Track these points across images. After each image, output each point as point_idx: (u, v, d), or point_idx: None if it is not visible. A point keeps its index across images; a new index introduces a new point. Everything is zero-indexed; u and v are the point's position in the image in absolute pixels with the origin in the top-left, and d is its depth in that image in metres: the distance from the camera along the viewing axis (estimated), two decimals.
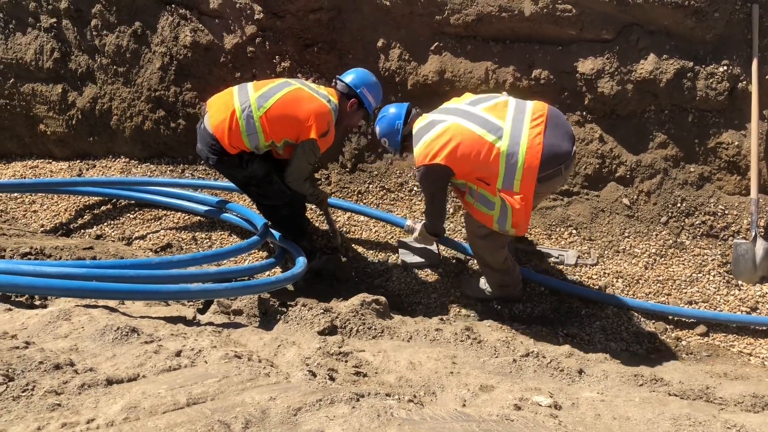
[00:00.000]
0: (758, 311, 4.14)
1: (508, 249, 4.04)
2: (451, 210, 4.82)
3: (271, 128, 3.95)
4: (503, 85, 4.63)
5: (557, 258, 4.49)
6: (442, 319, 3.78)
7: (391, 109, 4.02)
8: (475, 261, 4.42)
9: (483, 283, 4.34)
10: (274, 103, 3.95)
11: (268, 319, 3.46)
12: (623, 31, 4.40)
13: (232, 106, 3.96)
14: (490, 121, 3.54)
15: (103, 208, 5.15)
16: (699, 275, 4.35)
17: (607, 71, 4.43)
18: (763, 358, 3.97)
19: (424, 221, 4.24)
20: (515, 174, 3.49)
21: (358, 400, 2.17)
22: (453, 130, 3.56)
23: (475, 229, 3.89)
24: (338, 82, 4.27)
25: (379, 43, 4.88)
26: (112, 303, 3.14)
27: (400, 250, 4.67)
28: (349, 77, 4.25)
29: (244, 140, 3.96)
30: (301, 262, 4.07)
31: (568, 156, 3.57)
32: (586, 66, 4.47)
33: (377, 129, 4.06)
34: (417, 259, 4.60)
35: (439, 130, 3.60)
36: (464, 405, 2.48)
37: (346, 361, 2.88)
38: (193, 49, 5.09)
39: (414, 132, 3.78)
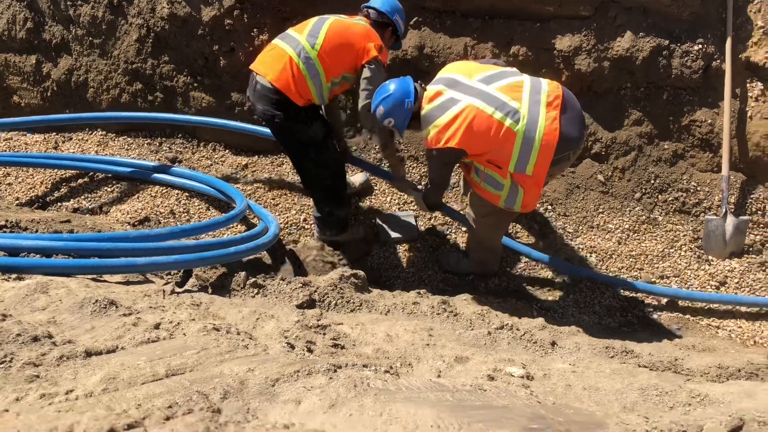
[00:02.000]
0: (726, 285, 4.25)
1: None
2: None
3: (330, 62, 3.90)
4: None
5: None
6: (419, 293, 3.82)
7: (392, 86, 3.70)
8: (465, 237, 4.45)
9: (460, 259, 4.39)
10: (324, 37, 3.89)
11: (246, 292, 3.48)
12: (601, 8, 4.43)
13: (287, 54, 3.90)
14: (507, 103, 3.42)
15: (80, 181, 5.10)
16: (671, 250, 4.45)
17: (585, 48, 4.46)
18: (730, 331, 4.09)
19: (421, 190, 4.23)
20: (529, 158, 3.44)
21: (335, 371, 2.21)
22: (468, 112, 3.42)
23: (478, 208, 3.88)
24: (370, 10, 4.15)
25: None
26: None
27: (380, 226, 4.70)
28: (378, 2, 4.14)
29: (309, 86, 3.91)
30: (273, 232, 4.07)
31: (578, 141, 3.55)
32: (563, 43, 4.49)
33: (380, 109, 3.71)
34: (396, 234, 4.64)
35: (454, 113, 3.46)
36: (439, 375, 2.54)
37: (324, 334, 2.92)
38: (170, 21, 5.02)
39: (425, 113, 3.59)
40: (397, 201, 4.86)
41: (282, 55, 3.92)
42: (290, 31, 4.06)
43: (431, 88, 3.63)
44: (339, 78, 4.01)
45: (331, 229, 4.43)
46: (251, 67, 4.07)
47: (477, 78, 3.56)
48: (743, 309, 4.17)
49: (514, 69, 3.71)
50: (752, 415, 2.07)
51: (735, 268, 4.31)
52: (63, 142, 5.42)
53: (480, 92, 3.48)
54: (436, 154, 3.62)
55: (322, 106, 4.29)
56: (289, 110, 3.95)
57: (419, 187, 4.58)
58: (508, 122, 3.40)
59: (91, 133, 5.45)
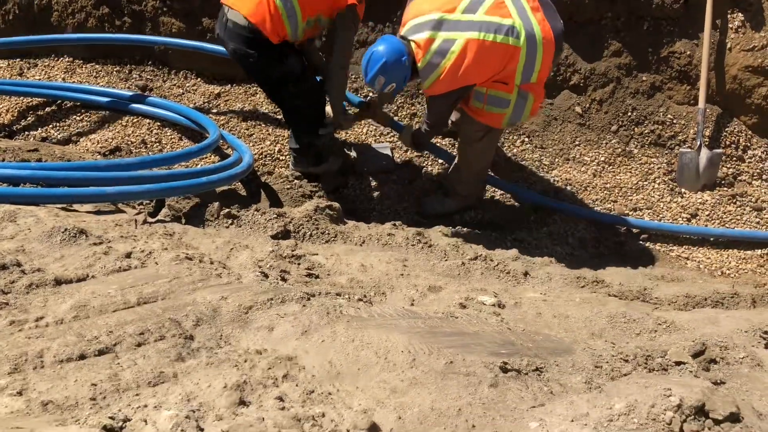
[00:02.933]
0: (697, 217, 4.32)
1: None
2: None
3: (307, 2, 3.76)
4: None
5: None
6: (395, 225, 3.83)
7: (380, 47, 3.60)
8: (454, 172, 4.37)
9: (443, 200, 4.37)
10: None
11: (220, 223, 3.46)
12: None
13: None
14: (501, 24, 3.46)
15: (48, 109, 4.96)
16: (645, 183, 4.48)
17: None
18: (698, 262, 4.18)
19: (412, 128, 4.20)
20: (534, 66, 3.56)
21: (308, 299, 2.23)
22: (470, 47, 3.45)
23: (471, 134, 3.93)
24: None
25: None
26: None
27: (356, 158, 4.66)
28: None
29: (285, 24, 3.77)
30: (247, 162, 4.02)
31: (563, 34, 3.68)
32: None
33: (380, 79, 3.63)
34: (372, 166, 4.60)
35: (456, 53, 3.46)
36: (412, 304, 2.57)
37: (299, 264, 2.93)
38: None
39: (423, 64, 3.55)
40: (373, 132, 4.80)
41: None
42: None
43: (418, 38, 3.56)
44: (314, 18, 3.87)
45: (307, 160, 4.38)
46: (223, 0, 3.91)
47: (459, 10, 3.53)
48: (712, 240, 4.25)
49: None
50: (714, 340, 2.13)
51: (707, 200, 4.37)
52: (28, 68, 5.22)
53: (471, 24, 3.49)
54: (444, 96, 3.67)
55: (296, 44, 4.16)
56: (262, 48, 3.82)
57: (404, 123, 4.53)
58: (511, 41, 3.48)
59: (58, 60, 5.25)
